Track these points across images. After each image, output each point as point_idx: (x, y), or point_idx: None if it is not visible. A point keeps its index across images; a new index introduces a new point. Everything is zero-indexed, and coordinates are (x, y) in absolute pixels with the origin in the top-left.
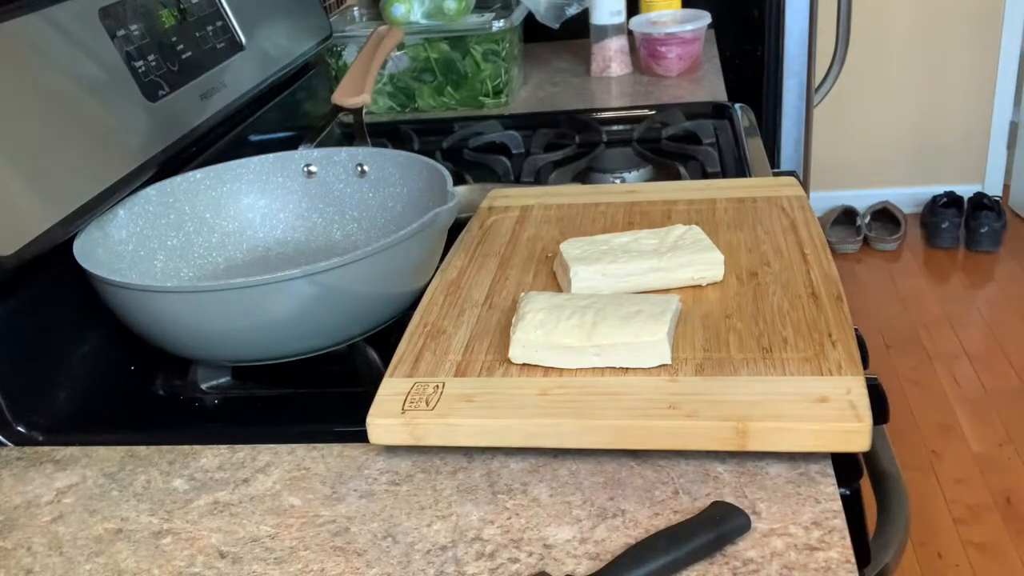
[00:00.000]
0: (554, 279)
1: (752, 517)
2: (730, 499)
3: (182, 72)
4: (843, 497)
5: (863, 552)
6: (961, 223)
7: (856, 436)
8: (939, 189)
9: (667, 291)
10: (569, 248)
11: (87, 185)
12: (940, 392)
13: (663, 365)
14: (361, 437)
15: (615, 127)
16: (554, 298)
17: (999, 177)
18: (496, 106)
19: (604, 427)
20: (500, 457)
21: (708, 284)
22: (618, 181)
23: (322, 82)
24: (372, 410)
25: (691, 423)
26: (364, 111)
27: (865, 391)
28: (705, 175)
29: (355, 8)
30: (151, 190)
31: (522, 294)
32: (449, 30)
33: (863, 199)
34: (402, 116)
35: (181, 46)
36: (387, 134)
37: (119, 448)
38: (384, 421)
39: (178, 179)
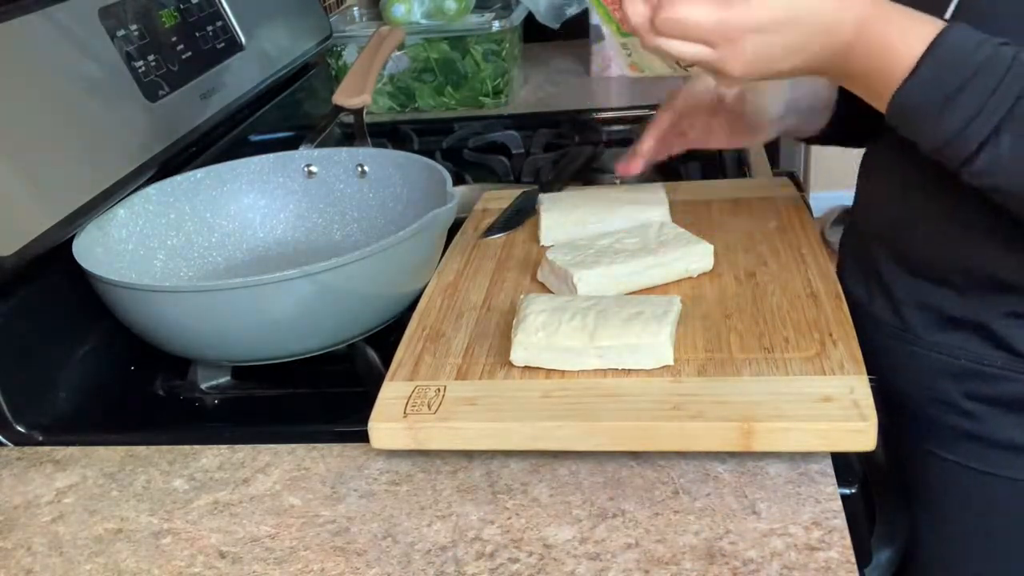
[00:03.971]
0: (544, 289)
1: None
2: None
3: (182, 72)
4: (843, 497)
5: (863, 552)
6: None
7: (861, 435)
8: None
9: (664, 285)
10: (558, 255)
11: (87, 185)
12: None
13: (665, 366)
14: (361, 437)
15: (615, 127)
16: (555, 300)
17: None
18: (496, 106)
19: (608, 429)
20: (500, 457)
21: (699, 275)
22: (618, 181)
23: (322, 82)
24: (374, 415)
25: (696, 424)
26: (365, 111)
27: (869, 390)
28: (705, 175)
29: (355, 8)
30: (151, 190)
31: (522, 296)
32: (449, 30)
33: None
34: (402, 116)
35: (181, 46)
36: (387, 134)
37: (119, 448)
38: (386, 425)
39: (178, 179)
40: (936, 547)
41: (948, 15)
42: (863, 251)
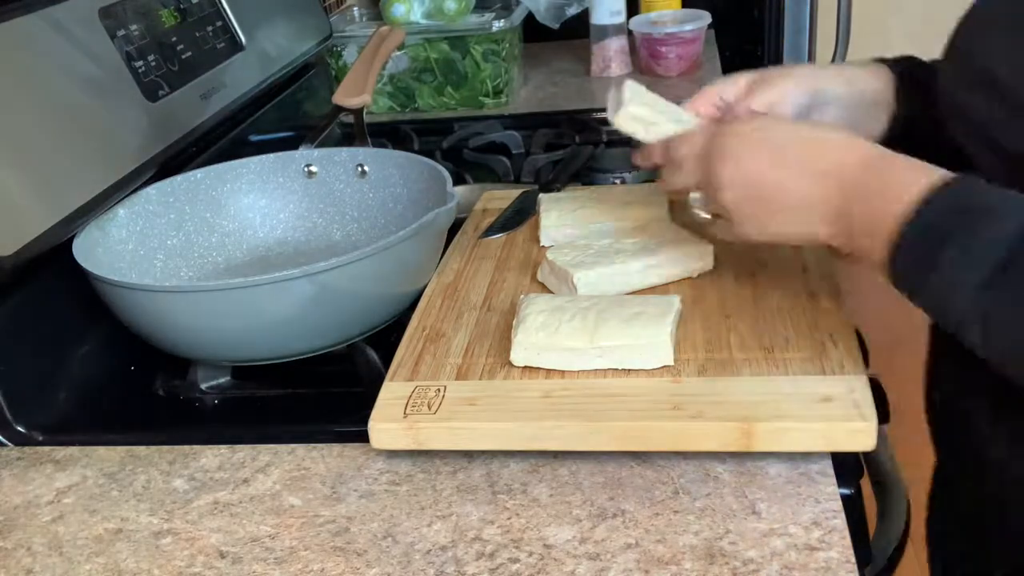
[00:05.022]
0: (544, 289)
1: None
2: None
3: (182, 72)
4: (843, 497)
5: (863, 552)
6: None
7: (861, 435)
8: None
9: (664, 285)
10: (558, 255)
11: (87, 185)
12: None
13: (665, 366)
14: (361, 437)
15: (615, 127)
16: (555, 300)
17: None
18: (496, 106)
19: (608, 429)
20: (500, 457)
21: (699, 275)
22: (618, 182)
23: (322, 82)
24: (374, 415)
25: (696, 424)
26: (365, 111)
27: (869, 390)
28: None
29: (355, 8)
30: (151, 190)
31: (522, 296)
32: (449, 30)
33: None
34: (402, 116)
35: (181, 46)
36: (387, 134)
37: (119, 448)
38: (386, 426)
39: (178, 179)
40: None
41: None
42: (975, 381)
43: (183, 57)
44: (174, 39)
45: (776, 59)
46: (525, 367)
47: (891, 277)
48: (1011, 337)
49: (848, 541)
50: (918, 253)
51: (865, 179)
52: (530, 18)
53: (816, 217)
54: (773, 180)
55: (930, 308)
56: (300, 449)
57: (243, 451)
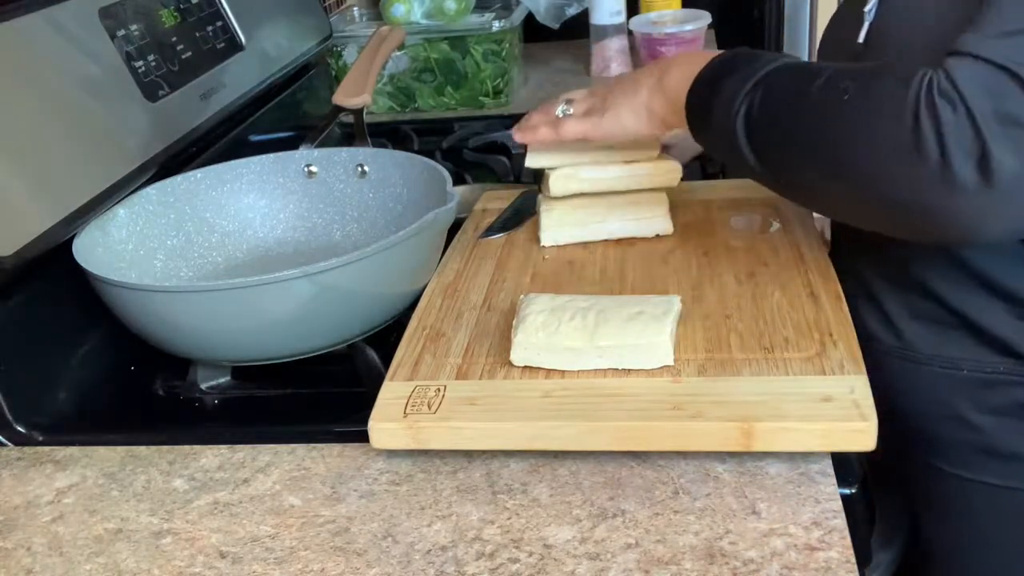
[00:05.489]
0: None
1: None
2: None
3: (182, 72)
4: (843, 497)
5: (863, 552)
6: None
7: (861, 435)
8: None
9: (638, 191)
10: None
11: (87, 185)
12: None
13: (665, 366)
14: (361, 437)
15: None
16: (555, 300)
17: None
18: (496, 106)
19: (608, 429)
20: (500, 457)
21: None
22: None
23: (322, 82)
24: (373, 415)
25: (696, 424)
26: (365, 111)
27: (869, 390)
28: (705, 176)
29: (355, 8)
30: (151, 190)
31: (522, 296)
32: (449, 30)
33: None
34: (402, 116)
35: (181, 46)
36: (387, 134)
37: (119, 448)
38: (386, 425)
39: (178, 179)
40: (952, 559)
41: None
42: (850, 268)
43: (183, 57)
44: (174, 39)
45: None
46: (525, 367)
47: (687, 115)
48: (768, 141)
49: (848, 541)
50: (706, 82)
51: (676, 62)
52: (530, 18)
53: (644, 89)
54: (627, 78)
55: (717, 136)
56: (300, 449)
57: (243, 451)
